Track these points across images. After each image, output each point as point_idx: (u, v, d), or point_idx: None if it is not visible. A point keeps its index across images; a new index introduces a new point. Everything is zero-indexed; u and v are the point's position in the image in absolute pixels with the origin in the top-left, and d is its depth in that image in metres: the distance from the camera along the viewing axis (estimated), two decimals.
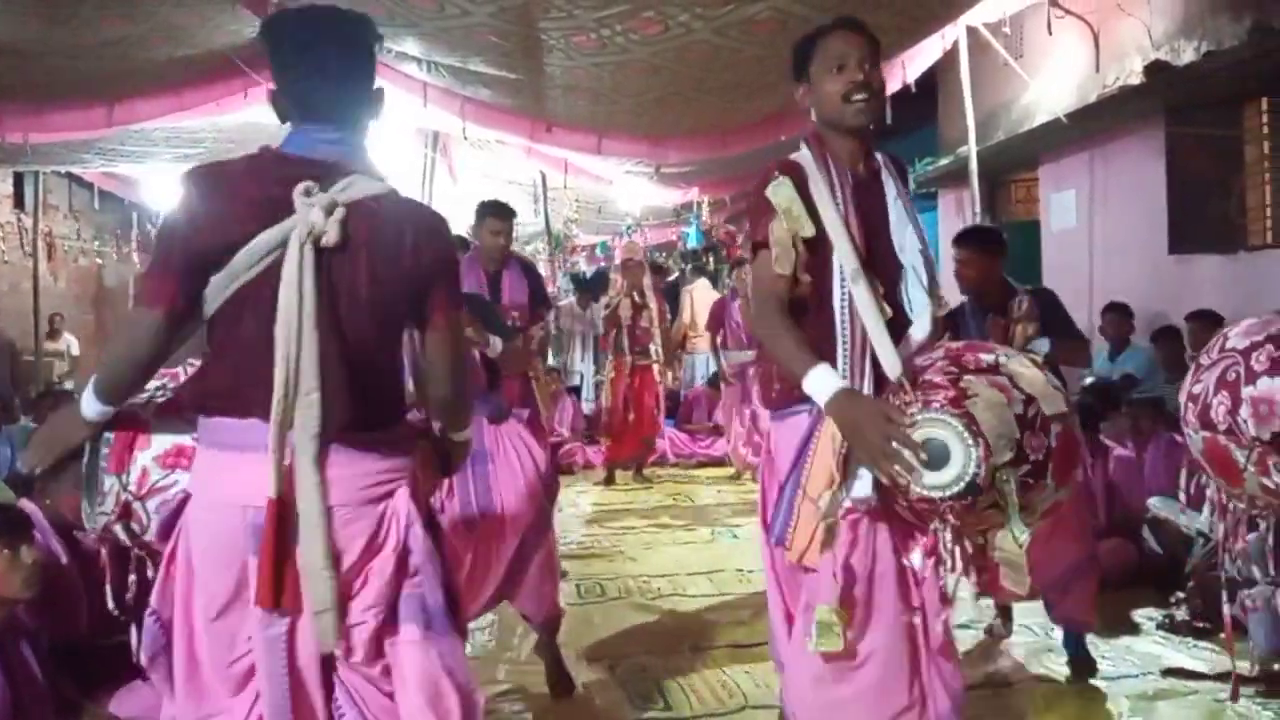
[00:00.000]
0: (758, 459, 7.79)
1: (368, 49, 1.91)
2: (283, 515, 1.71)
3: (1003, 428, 1.82)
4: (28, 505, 2.73)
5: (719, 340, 7.98)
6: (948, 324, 2.27)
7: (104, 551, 2.25)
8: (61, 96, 6.14)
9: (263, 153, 1.85)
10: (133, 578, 2.15)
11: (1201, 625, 3.86)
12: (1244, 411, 2.49)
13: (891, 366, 2.01)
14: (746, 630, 4.13)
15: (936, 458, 1.82)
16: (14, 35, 5.20)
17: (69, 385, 9.53)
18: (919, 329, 2.12)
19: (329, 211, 1.74)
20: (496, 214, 4.02)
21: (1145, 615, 4.13)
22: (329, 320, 1.74)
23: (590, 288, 9.12)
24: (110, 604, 2.21)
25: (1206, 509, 3.14)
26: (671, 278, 15.36)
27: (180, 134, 7.44)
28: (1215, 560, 3.50)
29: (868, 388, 2.06)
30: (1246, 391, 2.47)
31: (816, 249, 2.08)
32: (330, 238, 1.74)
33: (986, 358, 1.94)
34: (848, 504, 1.99)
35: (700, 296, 10.05)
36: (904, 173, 2.30)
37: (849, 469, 1.99)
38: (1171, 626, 3.96)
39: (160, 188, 9.79)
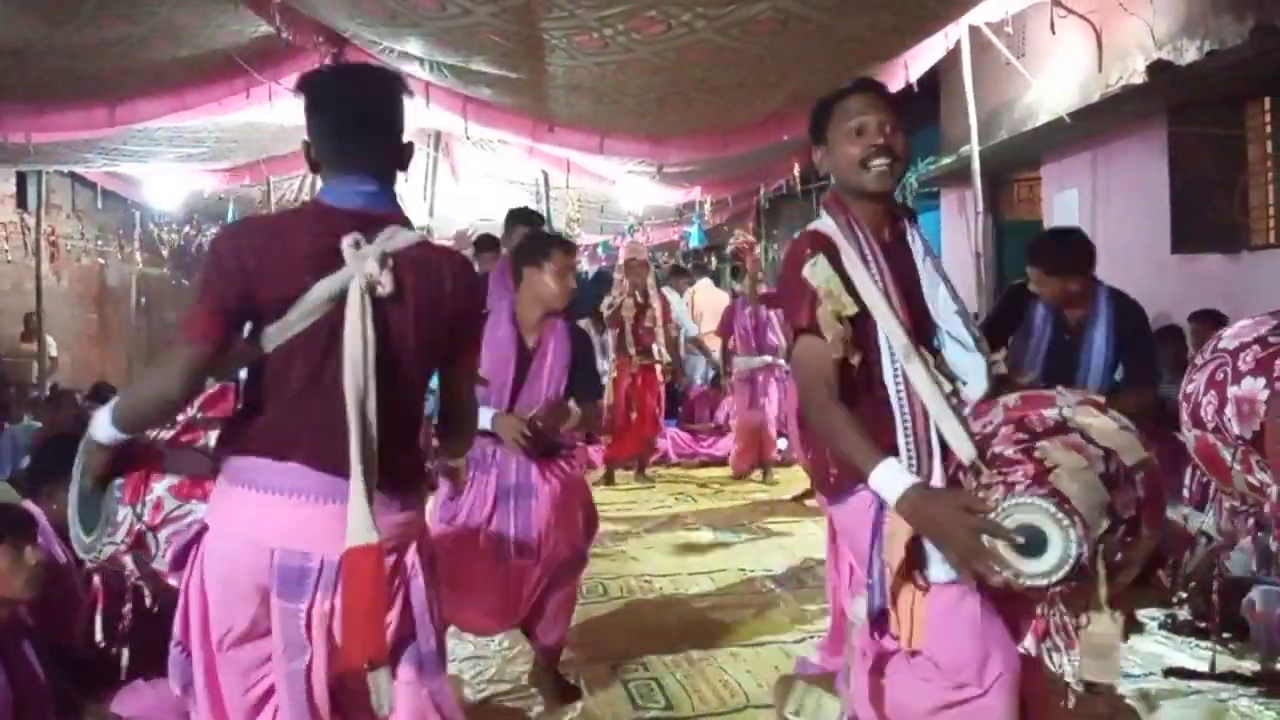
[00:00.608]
0: (753, 464, 7.85)
1: (401, 103, 1.98)
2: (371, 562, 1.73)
3: (1092, 495, 1.74)
4: (32, 508, 2.74)
5: (730, 345, 8.00)
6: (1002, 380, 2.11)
7: (97, 580, 2.25)
8: (64, 96, 6.16)
9: (306, 206, 1.92)
10: (128, 607, 2.17)
11: (1204, 625, 3.85)
12: (1229, 410, 2.51)
13: (964, 450, 1.88)
14: (749, 630, 4.13)
15: (1033, 544, 1.72)
16: (16, 35, 5.21)
17: (47, 386, 9.31)
18: (974, 391, 2.02)
19: (382, 263, 1.79)
20: (562, 248, 3.51)
21: (1148, 615, 4.12)
22: (382, 369, 1.80)
23: (598, 295, 9.01)
24: (99, 635, 2.20)
25: (1210, 510, 3.14)
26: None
27: (182, 133, 7.46)
28: (1217, 560, 3.50)
29: (937, 471, 1.94)
30: (1231, 391, 2.49)
31: (859, 325, 1.99)
32: (385, 288, 1.80)
33: (1050, 414, 1.85)
34: (933, 580, 1.91)
35: (703, 297, 10.04)
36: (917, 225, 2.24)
37: (922, 549, 1.90)
38: (1174, 626, 3.95)
39: (163, 187, 9.79)
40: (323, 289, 1.78)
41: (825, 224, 2.11)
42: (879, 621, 1.98)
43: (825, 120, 2.16)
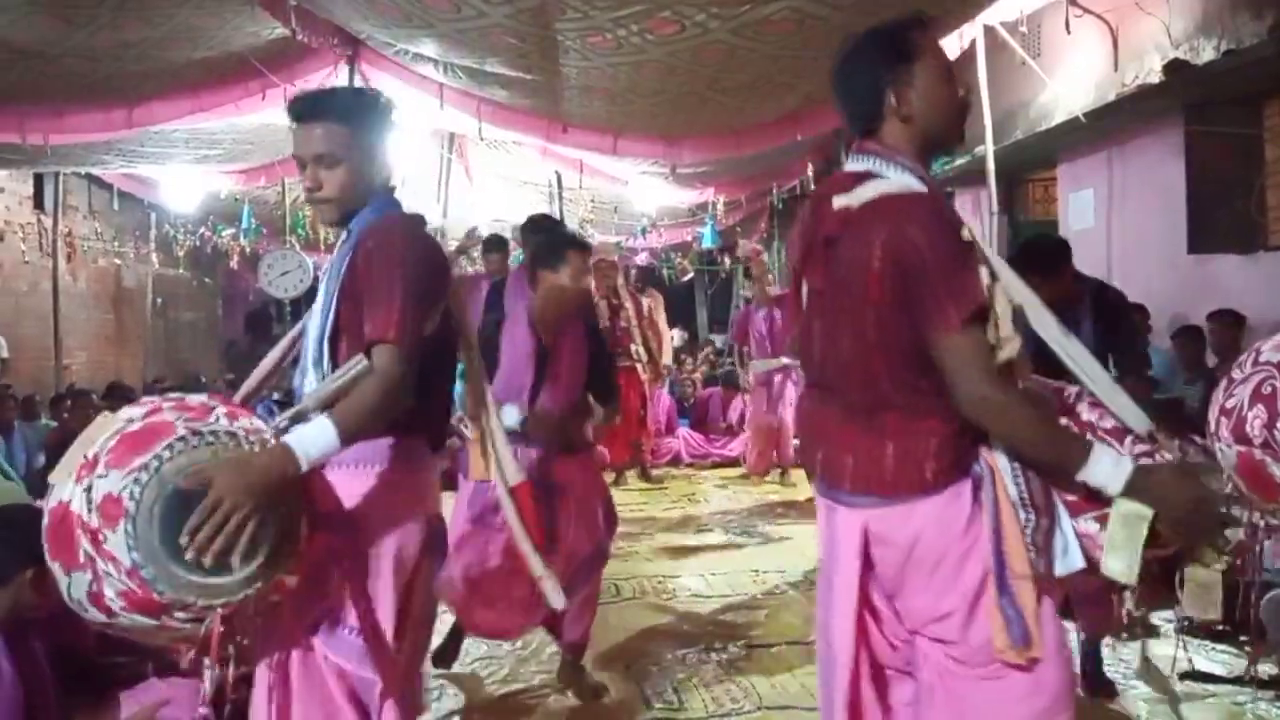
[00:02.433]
0: (770, 465, 7.83)
1: None
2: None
3: None
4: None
5: (745, 350, 8.09)
6: None
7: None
8: (81, 98, 6.19)
9: (416, 217, 2.12)
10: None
11: (1220, 628, 3.83)
12: None
13: (1141, 420, 1.74)
14: (761, 631, 4.13)
15: None
16: (34, 38, 5.24)
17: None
18: None
19: None
20: (581, 249, 3.56)
21: (1163, 618, 4.09)
22: None
23: None
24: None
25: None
26: (687, 277, 15.39)
27: (199, 135, 7.50)
28: (1234, 563, 3.47)
29: None
30: None
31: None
32: None
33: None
34: (1061, 573, 1.74)
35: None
36: None
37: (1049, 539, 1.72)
38: (1190, 629, 3.92)
39: (179, 189, 9.84)
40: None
41: (915, 186, 1.71)
42: (1025, 637, 1.68)
43: (920, 42, 1.75)
